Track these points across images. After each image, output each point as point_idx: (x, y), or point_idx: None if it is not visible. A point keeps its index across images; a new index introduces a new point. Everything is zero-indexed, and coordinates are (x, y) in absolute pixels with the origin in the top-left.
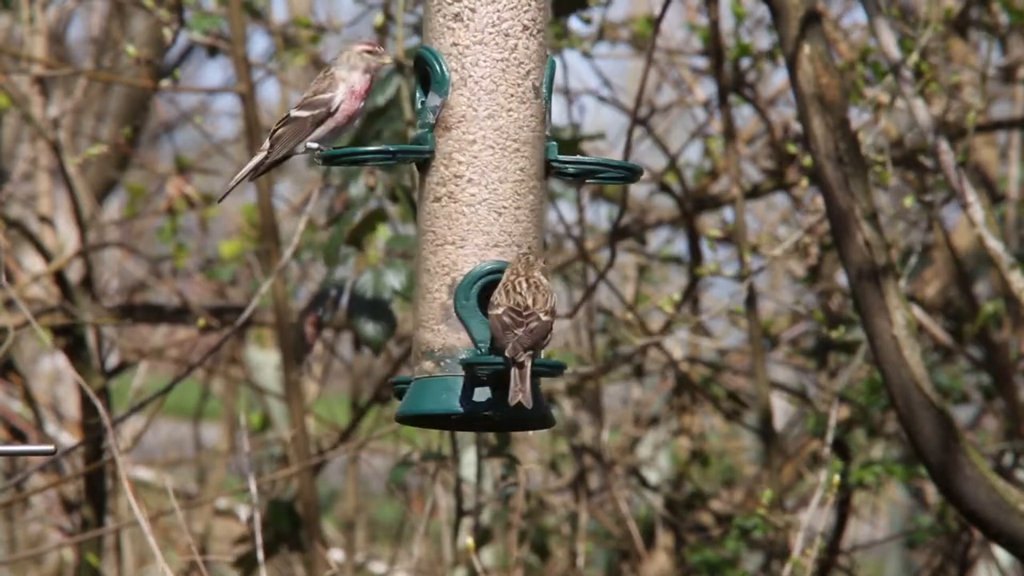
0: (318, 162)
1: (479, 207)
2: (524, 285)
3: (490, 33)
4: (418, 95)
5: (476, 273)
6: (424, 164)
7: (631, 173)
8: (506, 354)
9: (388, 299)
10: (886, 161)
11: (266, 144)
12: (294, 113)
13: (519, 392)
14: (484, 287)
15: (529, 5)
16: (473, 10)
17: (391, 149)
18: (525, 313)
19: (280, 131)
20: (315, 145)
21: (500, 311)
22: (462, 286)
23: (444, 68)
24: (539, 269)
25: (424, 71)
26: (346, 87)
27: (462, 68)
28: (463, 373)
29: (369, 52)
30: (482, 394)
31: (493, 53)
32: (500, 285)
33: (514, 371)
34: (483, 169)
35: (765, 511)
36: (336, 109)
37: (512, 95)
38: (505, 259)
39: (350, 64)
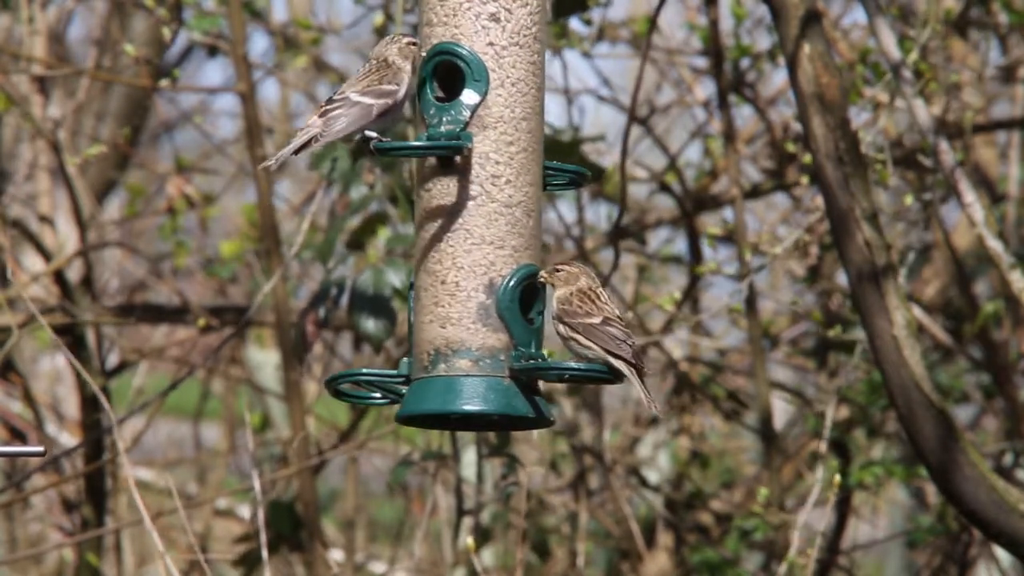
0: (372, 151)
1: (516, 209)
2: (603, 296)
3: (524, 36)
4: (429, 90)
5: (518, 276)
6: (450, 161)
7: (580, 177)
8: (627, 363)
9: (388, 296)
10: (886, 161)
11: (316, 120)
12: (355, 97)
13: (653, 402)
14: (523, 290)
15: (546, 10)
16: (510, 11)
17: (437, 144)
18: (624, 324)
19: (338, 112)
20: (373, 134)
21: (596, 320)
22: (506, 288)
23: (483, 66)
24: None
25: (449, 67)
26: (408, 79)
27: (500, 68)
28: (505, 374)
29: (414, 45)
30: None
31: (527, 55)
32: (566, 292)
33: (641, 382)
34: (519, 171)
35: (762, 510)
36: (401, 101)
37: (538, 98)
38: (534, 262)
39: (403, 55)
